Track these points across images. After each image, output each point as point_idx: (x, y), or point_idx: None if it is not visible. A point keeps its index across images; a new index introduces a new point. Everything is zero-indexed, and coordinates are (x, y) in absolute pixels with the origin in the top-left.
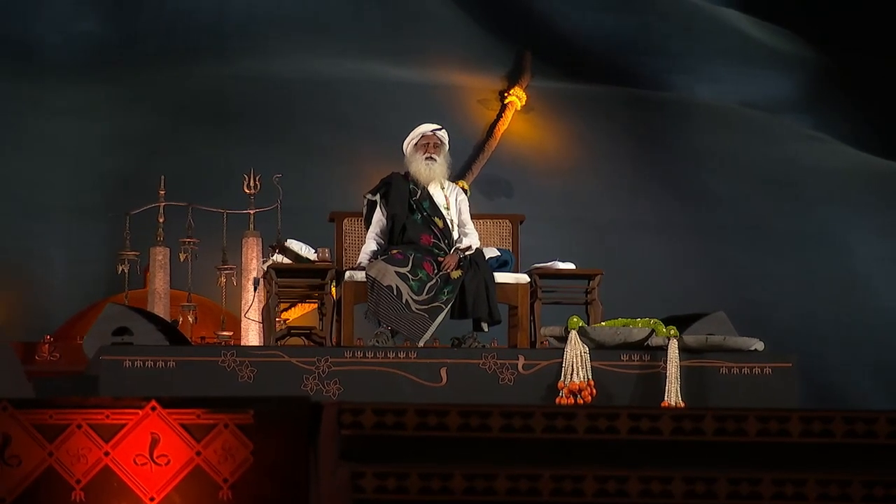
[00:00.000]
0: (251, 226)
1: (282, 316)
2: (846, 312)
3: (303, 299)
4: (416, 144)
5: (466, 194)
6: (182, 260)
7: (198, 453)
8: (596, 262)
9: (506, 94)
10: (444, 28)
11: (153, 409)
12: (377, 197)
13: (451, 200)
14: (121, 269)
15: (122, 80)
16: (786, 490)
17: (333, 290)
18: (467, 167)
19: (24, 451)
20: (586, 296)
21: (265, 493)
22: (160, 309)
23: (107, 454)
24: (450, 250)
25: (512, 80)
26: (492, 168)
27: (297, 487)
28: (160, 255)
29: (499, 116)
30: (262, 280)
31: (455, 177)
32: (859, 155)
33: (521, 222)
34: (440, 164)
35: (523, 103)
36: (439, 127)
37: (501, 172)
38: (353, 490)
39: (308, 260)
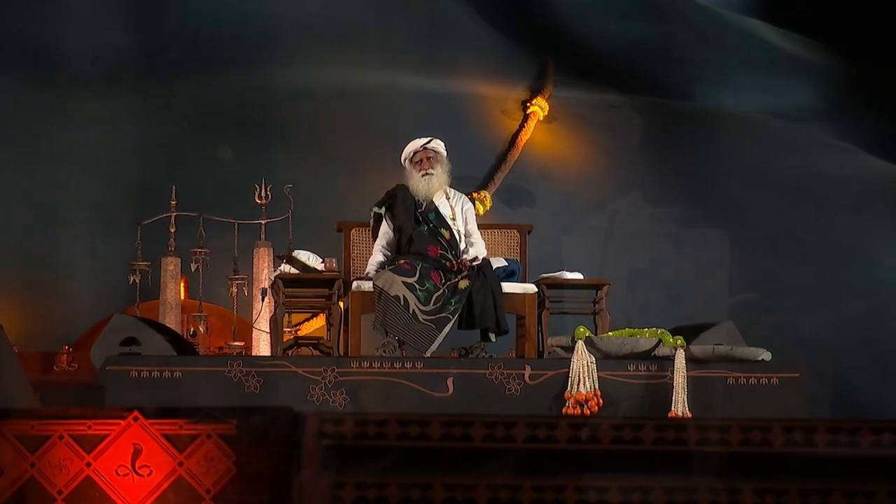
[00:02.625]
0: (262, 236)
1: (301, 328)
2: (869, 322)
3: (309, 309)
4: (410, 161)
5: (474, 204)
6: (193, 270)
7: (180, 464)
8: (619, 271)
9: (528, 104)
10: (467, 38)
11: (135, 419)
12: (383, 209)
13: (458, 210)
14: (132, 279)
15: (146, 90)
16: (767, 500)
17: (341, 303)
18: (489, 177)
19: (6, 461)
20: (594, 306)
21: (248, 503)
22: (172, 319)
23: (88, 465)
24: (457, 261)
25: (534, 90)
26: (514, 178)
27: (279, 498)
28: (171, 266)
29: (521, 126)
30: (269, 290)
31: (477, 186)
32: (882, 164)
33: (529, 232)
34: (438, 177)
35: (546, 113)
36: (429, 140)
37: (524, 182)
38: (333, 500)
39: (315, 270)
